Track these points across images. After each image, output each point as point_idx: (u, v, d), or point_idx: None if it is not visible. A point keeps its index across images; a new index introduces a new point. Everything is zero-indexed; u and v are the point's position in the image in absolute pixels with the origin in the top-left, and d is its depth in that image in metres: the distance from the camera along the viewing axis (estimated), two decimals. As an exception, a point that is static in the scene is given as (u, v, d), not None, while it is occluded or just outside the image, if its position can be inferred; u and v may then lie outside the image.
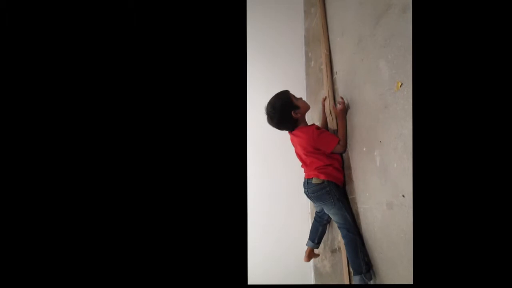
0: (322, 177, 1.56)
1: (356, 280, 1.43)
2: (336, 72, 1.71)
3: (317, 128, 1.62)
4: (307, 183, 1.61)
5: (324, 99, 1.80)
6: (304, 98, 1.77)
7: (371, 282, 1.41)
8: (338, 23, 1.74)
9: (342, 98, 1.60)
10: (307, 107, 1.64)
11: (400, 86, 1.19)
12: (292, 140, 1.70)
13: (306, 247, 1.86)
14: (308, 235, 1.85)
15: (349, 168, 1.60)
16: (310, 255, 1.84)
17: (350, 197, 1.59)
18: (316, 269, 2.22)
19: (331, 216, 1.65)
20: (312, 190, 1.59)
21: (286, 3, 2.30)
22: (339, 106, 1.60)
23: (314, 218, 1.84)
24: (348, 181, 1.62)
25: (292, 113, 1.59)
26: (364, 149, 1.45)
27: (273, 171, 2.23)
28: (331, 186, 1.55)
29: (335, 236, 1.84)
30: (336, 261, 1.85)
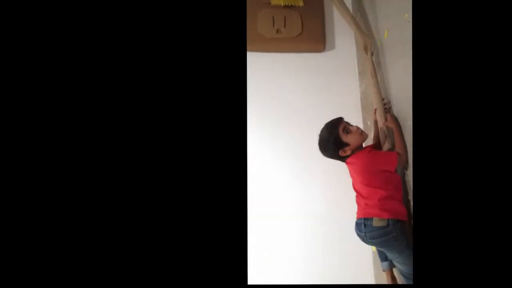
0: (386, 215, 1.31)
1: None
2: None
3: (370, 150, 1.45)
4: (365, 226, 1.35)
5: (376, 111, 1.62)
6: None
7: None
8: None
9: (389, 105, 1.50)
10: (360, 141, 1.44)
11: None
12: (349, 170, 1.49)
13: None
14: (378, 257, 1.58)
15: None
16: (392, 276, 1.52)
17: None
18: None
19: (395, 263, 1.43)
20: (373, 235, 1.34)
21: (337, 63, 2.15)
22: (389, 118, 1.47)
23: None
24: None
25: (340, 152, 1.41)
26: None
27: (274, 169, 2.05)
28: (398, 229, 1.30)
29: None
30: None
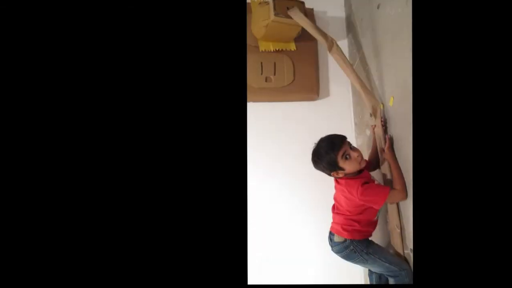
0: (345, 235, 1.38)
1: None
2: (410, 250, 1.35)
3: (364, 182, 1.33)
4: (331, 240, 1.44)
5: (374, 127, 1.52)
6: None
7: None
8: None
9: (387, 137, 1.42)
10: (356, 169, 1.34)
11: None
12: (335, 185, 1.43)
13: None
14: None
15: None
16: None
17: None
18: None
19: (371, 269, 1.50)
20: (337, 249, 1.42)
21: (332, 112, 1.96)
22: (386, 147, 1.39)
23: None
24: None
25: (333, 173, 1.35)
26: None
27: (276, 168, 1.96)
28: (355, 243, 1.38)
29: None
30: None
